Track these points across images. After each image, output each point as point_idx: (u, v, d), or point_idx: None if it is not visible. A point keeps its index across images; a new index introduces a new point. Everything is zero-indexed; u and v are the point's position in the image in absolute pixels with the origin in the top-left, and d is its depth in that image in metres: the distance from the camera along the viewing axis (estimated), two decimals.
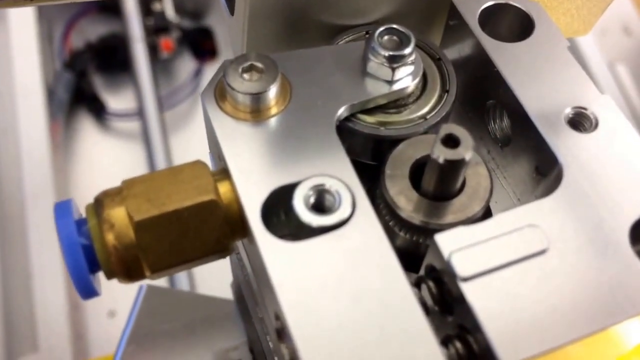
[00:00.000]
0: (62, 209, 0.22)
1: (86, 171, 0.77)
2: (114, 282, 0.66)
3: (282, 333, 0.21)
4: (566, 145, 0.24)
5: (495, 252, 0.21)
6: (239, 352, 0.37)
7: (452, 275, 0.21)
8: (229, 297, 0.42)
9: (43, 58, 0.75)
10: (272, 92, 0.24)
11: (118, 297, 0.71)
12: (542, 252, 0.22)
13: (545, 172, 0.25)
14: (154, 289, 0.41)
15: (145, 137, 0.77)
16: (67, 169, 0.76)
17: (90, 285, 0.22)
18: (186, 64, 0.84)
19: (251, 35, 0.27)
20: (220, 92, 0.24)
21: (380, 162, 0.25)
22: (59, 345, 0.64)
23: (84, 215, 0.23)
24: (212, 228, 0.23)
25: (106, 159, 0.78)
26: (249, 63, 0.24)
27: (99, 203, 0.22)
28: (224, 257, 0.24)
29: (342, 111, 0.24)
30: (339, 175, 0.23)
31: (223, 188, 0.23)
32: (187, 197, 0.22)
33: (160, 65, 0.82)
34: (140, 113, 0.78)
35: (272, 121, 0.24)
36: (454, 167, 0.22)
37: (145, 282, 0.43)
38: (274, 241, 0.21)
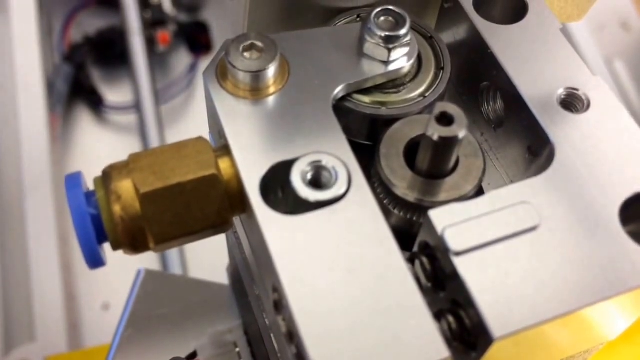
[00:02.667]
0: (73, 180, 0.23)
1: (83, 163, 0.77)
2: (109, 274, 0.66)
3: (280, 305, 0.22)
4: (558, 126, 0.24)
5: (488, 227, 0.22)
6: (234, 334, 0.37)
7: (446, 250, 0.22)
8: (223, 282, 0.42)
9: (43, 51, 0.75)
10: (271, 70, 0.24)
11: (112, 290, 0.71)
12: (533, 229, 0.22)
13: (538, 152, 0.25)
14: (152, 274, 0.41)
15: (142, 130, 0.77)
16: (65, 161, 0.76)
17: (98, 255, 0.23)
18: (182, 58, 0.85)
19: (252, 17, 0.28)
20: (221, 70, 0.25)
21: (375, 142, 0.26)
22: (55, 336, 0.64)
23: (91, 189, 0.24)
24: (213, 202, 0.23)
25: (103, 151, 0.78)
26: (249, 42, 0.24)
27: (107, 176, 0.23)
28: (224, 231, 0.25)
29: (338, 90, 0.25)
30: (336, 152, 0.23)
31: (224, 164, 0.23)
32: (190, 171, 0.23)
33: (157, 58, 0.82)
34: (137, 106, 0.78)
35: (271, 99, 0.24)
36: (448, 144, 0.23)
37: (143, 267, 0.43)
38: (272, 214, 0.22)
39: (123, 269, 0.70)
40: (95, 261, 0.23)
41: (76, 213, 0.23)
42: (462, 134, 0.22)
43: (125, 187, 0.23)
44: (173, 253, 0.68)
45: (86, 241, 0.23)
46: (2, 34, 0.75)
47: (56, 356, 0.63)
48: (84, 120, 0.80)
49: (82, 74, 0.79)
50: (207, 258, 0.69)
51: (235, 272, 0.35)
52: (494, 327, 0.20)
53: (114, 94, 0.81)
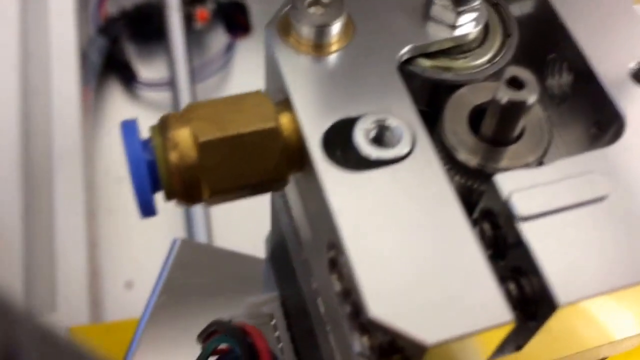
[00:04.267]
0: (129, 126, 0.23)
1: (113, 137, 0.77)
2: (134, 252, 0.66)
3: (336, 262, 0.21)
4: (629, 99, 0.24)
5: (555, 195, 0.21)
6: (269, 306, 0.37)
7: (511, 215, 0.21)
8: (247, 252, 0.42)
9: (79, 22, 0.75)
10: (336, 26, 0.24)
11: (137, 268, 0.71)
12: (601, 199, 0.22)
13: (605, 127, 0.24)
14: (187, 243, 0.41)
15: (175, 108, 0.77)
16: (94, 134, 0.76)
17: (151, 203, 0.23)
18: (219, 38, 0.84)
19: None
20: (284, 25, 0.24)
21: (434, 109, 0.25)
22: (77, 308, 0.64)
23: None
24: (271, 156, 0.23)
25: None
26: None
27: (164, 123, 0.23)
28: (279, 188, 0.24)
29: (404, 52, 0.24)
30: (400, 112, 0.23)
31: (284, 118, 0.23)
32: (249, 123, 0.23)
33: (193, 36, 0.82)
34: (171, 83, 0.78)
35: (334, 57, 0.24)
36: (516, 109, 0.22)
37: (178, 237, 0.43)
38: (334, 170, 0.22)
39: (148, 248, 0.70)
40: (147, 209, 0.23)
41: (132, 159, 0.22)
42: (532, 99, 0.22)
43: (183, 135, 0.22)
44: (199, 226, 0.67)
45: (141, 188, 0.22)
46: (38, 2, 0.75)
47: (80, 327, 0.63)
48: (116, 95, 0.80)
49: (117, 47, 0.79)
50: (233, 233, 0.69)
51: (277, 240, 0.34)
52: (559, 293, 0.20)
53: (148, 70, 0.81)
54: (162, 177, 0.23)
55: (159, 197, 0.23)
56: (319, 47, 0.24)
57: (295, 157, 0.23)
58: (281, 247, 0.33)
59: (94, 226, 0.69)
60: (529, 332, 0.22)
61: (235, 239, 0.60)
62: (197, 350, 0.32)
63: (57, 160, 0.68)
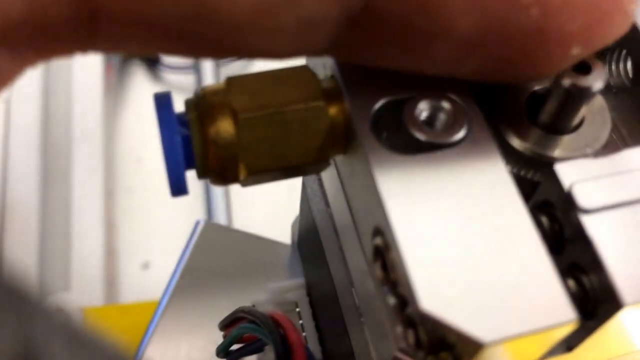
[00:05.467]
0: (163, 98, 0.21)
1: (134, 119, 0.76)
2: (151, 233, 0.65)
3: (383, 250, 0.20)
4: None
5: (620, 187, 0.20)
6: (295, 294, 0.36)
7: (573, 207, 0.20)
8: (266, 236, 0.41)
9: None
10: None
11: (153, 249, 0.70)
12: None
13: None
14: (211, 226, 0.40)
15: None
16: (115, 114, 0.76)
17: (183, 181, 0.21)
18: None
19: None
20: None
21: (486, 95, 0.24)
22: (91, 287, 0.64)
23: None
24: (315, 135, 0.21)
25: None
26: None
27: (201, 97, 0.21)
28: (319, 170, 0.23)
29: None
30: (456, 94, 0.21)
31: (331, 97, 0.22)
32: (293, 100, 0.21)
33: None
34: (195, 67, 0.77)
35: None
36: (580, 94, 0.21)
37: (202, 219, 0.42)
38: (384, 152, 0.20)
39: (166, 229, 0.69)
40: (179, 187, 0.22)
41: (166, 132, 0.21)
42: (597, 85, 0.20)
43: (221, 110, 0.21)
44: (220, 209, 0.66)
45: (174, 164, 0.21)
46: None
47: (93, 308, 0.62)
48: (139, 76, 0.79)
49: None
50: (253, 216, 0.68)
51: (306, 226, 0.33)
52: (624, 293, 0.18)
53: None
54: (197, 153, 0.21)
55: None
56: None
57: (340, 138, 0.22)
58: (311, 234, 0.32)
59: (111, 206, 0.69)
60: (583, 332, 0.20)
61: (255, 223, 0.59)
62: (216, 335, 0.31)
63: (77, 138, 0.67)
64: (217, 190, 0.66)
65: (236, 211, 0.70)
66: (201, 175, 0.22)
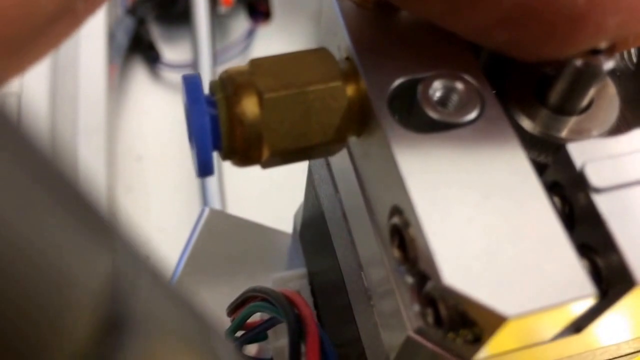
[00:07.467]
0: (191, 79, 0.22)
1: (135, 115, 0.77)
2: (151, 229, 0.65)
3: (400, 228, 0.20)
4: None
5: (631, 167, 0.20)
6: (296, 283, 0.36)
7: (585, 186, 0.20)
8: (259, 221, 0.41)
9: (108, 3, 0.75)
10: None
11: (153, 246, 0.70)
12: None
13: None
14: (216, 213, 0.40)
15: None
16: (118, 112, 0.76)
17: (210, 161, 0.22)
18: (240, 23, 0.83)
19: None
20: None
21: (497, 77, 0.24)
22: None
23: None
24: (334, 115, 0.22)
25: (155, 108, 0.77)
26: None
27: (227, 79, 0.22)
28: (335, 151, 0.23)
29: None
30: (468, 74, 0.22)
31: (347, 77, 0.22)
32: (314, 81, 0.22)
33: (216, 20, 0.81)
34: (193, 65, 0.77)
35: (399, 14, 0.23)
36: (590, 74, 0.21)
37: (207, 206, 0.42)
38: (401, 131, 0.21)
39: (165, 227, 0.69)
40: (206, 167, 0.22)
41: (196, 113, 0.21)
42: (608, 65, 0.21)
43: (246, 90, 0.21)
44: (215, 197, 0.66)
45: (202, 144, 0.21)
46: None
47: None
48: (140, 74, 0.80)
49: (143, 28, 0.78)
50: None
51: (311, 214, 0.33)
52: (637, 271, 0.19)
53: (172, 51, 0.80)
54: (224, 133, 0.22)
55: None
56: (383, 3, 0.23)
57: (357, 118, 0.22)
58: (315, 222, 0.32)
59: (111, 203, 0.69)
60: (592, 313, 0.21)
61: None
62: (220, 321, 0.31)
63: (81, 134, 0.68)
64: (214, 189, 0.67)
65: (232, 209, 0.71)
66: (226, 155, 0.22)
